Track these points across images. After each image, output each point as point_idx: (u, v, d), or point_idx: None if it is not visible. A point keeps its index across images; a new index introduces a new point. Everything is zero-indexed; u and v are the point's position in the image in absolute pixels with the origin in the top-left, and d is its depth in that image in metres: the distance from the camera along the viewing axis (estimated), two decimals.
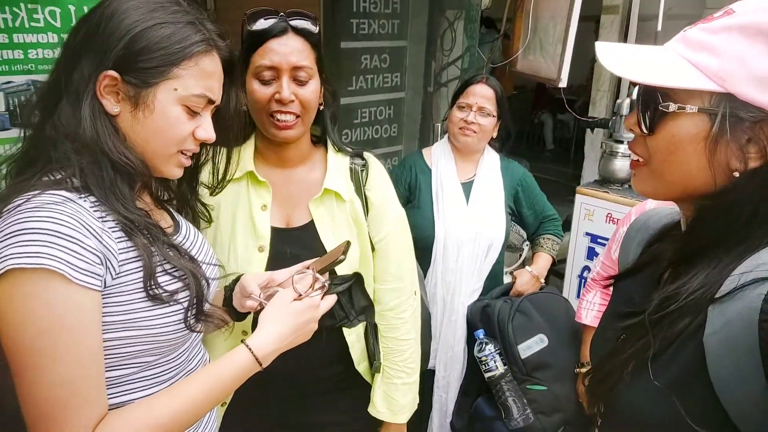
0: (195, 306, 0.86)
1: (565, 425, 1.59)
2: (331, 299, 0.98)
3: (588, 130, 4.78)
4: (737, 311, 0.59)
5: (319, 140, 1.34)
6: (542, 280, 1.89)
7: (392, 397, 1.36)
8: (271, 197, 1.24)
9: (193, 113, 0.85)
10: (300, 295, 0.94)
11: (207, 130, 0.88)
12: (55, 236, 0.71)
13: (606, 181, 2.86)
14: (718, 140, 0.65)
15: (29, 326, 0.71)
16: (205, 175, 1.09)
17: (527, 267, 1.92)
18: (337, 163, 1.30)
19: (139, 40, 0.80)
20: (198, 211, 1.07)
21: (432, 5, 3.04)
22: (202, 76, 0.84)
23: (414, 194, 1.93)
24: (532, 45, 2.85)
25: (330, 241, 1.24)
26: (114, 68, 0.79)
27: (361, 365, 1.34)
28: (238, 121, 1.00)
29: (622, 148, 2.77)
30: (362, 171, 1.31)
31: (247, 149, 1.26)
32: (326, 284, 0.96)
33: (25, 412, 0.73)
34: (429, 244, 1.85)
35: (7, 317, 0.71)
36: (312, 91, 1.18)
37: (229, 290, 1.10)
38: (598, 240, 2.82)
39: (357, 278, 1.03)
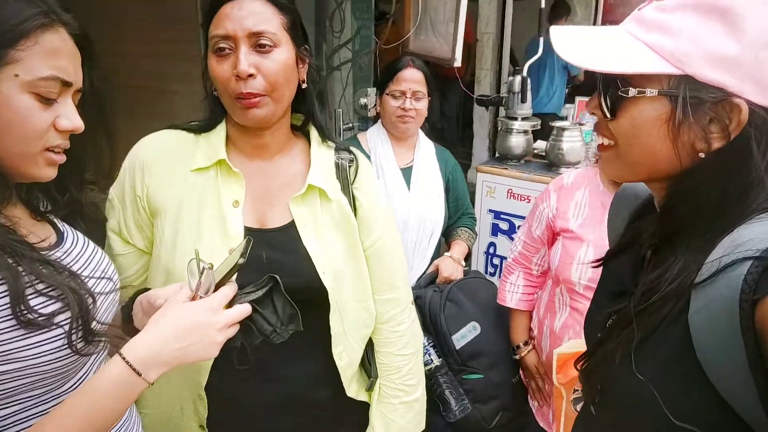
0: (81, 327, 0.77)
1: (502, 410, 1.59)
2: (243, 308, 0.83)
3: (476, 108, 4.91)
4: (719, 291, 0.59)
5: (299, 129, 1.15)
6: (463, 263, 1.88)
7: (391, 419, 1.22)
8: (243, 192, 1.06)
9: (47, 101, 0.75)
10: (194, 294, 0.81)
11: (71, 119, 0.78)
12: None
13: (504, 157, 2.94)
14: (680, 123, 0.65)
15: None
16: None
17: (447, 253, 1.90)
18: (322, 156, 1.12)
19: None
20: (88, 214, 0.95)
21: None
22: (47, 55, 0.74)
23: None
24: (424, 25, 2.81)
25: (314, 245, 1.07)
26: None
27: (351, 388, 1.18)
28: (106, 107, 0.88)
29: (517, 125, 2.85)
30: (350, 167, 1.15)
31: (217, 136, 1.07)
32: (213, 277, 0.82)
33: None
34: None
35: None
36: (276, 61, 0.98)
37: (127, 309, 0.94)
38: (501, 216, 2.89)
39: (274, 283, 0.89)
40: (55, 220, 0.90)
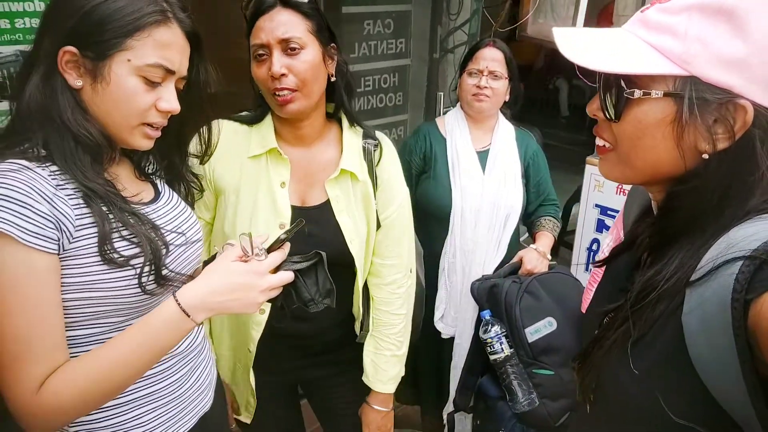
0: (152, 271, 0.88)
1: (570, 411, 1.55)
2: (286, 275, 0.92)
3: None
4: (712, 290, 0.59)
5: (332, 116, 1.33)
6: (549, 257, 1.83)
7: (381, 368, 1.42)
8: (289, 174, 1.25)
9: (152, 83, 0.87)
10: (249, 257, 0.90)
11: (170, 101, 0.90)
12: (6, 201, 0.75)
13: None
14: (685, 123, 0.64)
15: None
16: (193, 146, 1.13)
17: (531, 245, 1.86)
18: (352, 141, 1.31)
19: (93, 14, 0.82)
20: (189, 181, 1.10)
21: None
22: (157, 46, 0.86)
23: (429, 164, 1.92)
24: (543, 8, 2.72)
25: (345, 220, 1.27)
26: (72, 44, 0.83)
27: (356, 329, 1.44)
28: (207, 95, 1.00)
29: None
30: (375, 151, 1.33)
31: (266, 128, 1.27)
32: (262, 252, 0.90)
33: None
34: (446, 214, 1.85)
35: None
36: (304, 60, 1.16)
37: (207, 264, 1.07)
38: (608, 212, 2.75)
39: (320, 258, 0.99)
40: (158, 181, 1.04)
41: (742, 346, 0.55)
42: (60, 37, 0.83)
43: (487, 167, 1.86)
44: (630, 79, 0.66)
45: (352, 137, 1.32)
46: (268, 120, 1.28)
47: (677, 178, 0.68)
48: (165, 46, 0.87)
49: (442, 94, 2.70)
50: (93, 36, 0.82)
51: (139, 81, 0.86)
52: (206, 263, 1.06)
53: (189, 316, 0.84)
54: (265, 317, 1.30)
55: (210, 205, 1.31)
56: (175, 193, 1.06)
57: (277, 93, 1.17)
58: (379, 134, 1.36)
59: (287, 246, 0.94)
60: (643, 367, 0.67)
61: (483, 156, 1.88)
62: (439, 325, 1.97)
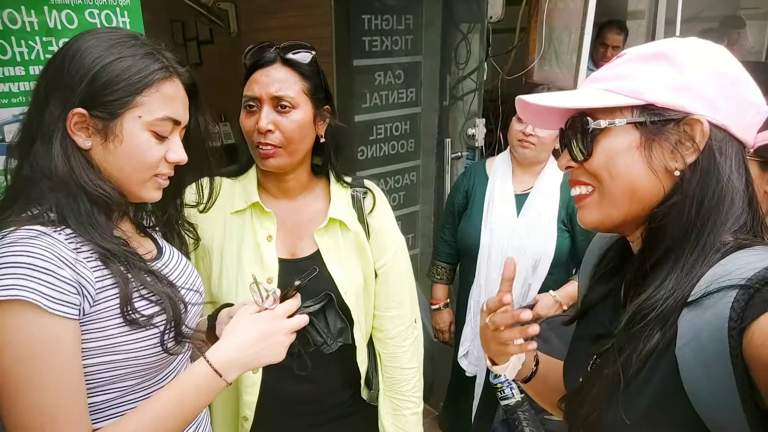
0: (172, 329, 0.89)
1: None
2: (303, 318, 0.95)
3: None
4: (707, 321, 0.60)
5: (321, 170, 1.32)
6: (565, 307, 1.83)
7: (403, 430, 1.35)
8: (275, 228, 1.23)
9: (161, 138, 0.89)
10: (260, 308, 0.93)
11: (177, 152, 0.91)
12: (28, 268, 0.74)
13: None
14: (650, 146, 0.71)
15: (5, 356, 0.74)
16: (190, 196, 1.12)
17: (551, 291, 1.86)
18: (340, 192, 1.29)
19: (101, 75, 0.84)
20: (186, 231, 1.10)
21: (445, 18, 3.01)
22: (164, 100, 0.88)
23: (470, 203, 1.95)
24: (548, 55, 2.80)
25: (337, 270, 1.23)
26: (81, 105, 0.83)
27: (365, 391, 1.36)
28: (208, 144, 1.02)
29: None
30: (364, 198, 1.30)
31: (250, 181, 1.26)
32: (274, 295, 0.94)
33: None
34: (475, 252, 1.88)
35: None
36: (293, 120, 1.16)
37: (212, 319, 1.09)
38: None
39: (329, 299, 1.02)
40: (155, 236, 1.04)
41: (741, 375, 0.56)
42: (68, 100, 0.83)
43: (522, 211, 1.86)
44: (593, 116, 0.73)
45: (340, 188, 1.31)
46: (253, 172, 1.27)
47: (654, 206, 0.72)
48: (171, 99, 0.89)
49: (449, 140, 2.77)
50: (103, 97, 0.84)
51: (150, 135, 0.88)
52: (212, 318, 1.08)
53: (221, 376, 0.86)
54: (258, 377, 1.24)
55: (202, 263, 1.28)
56: (173, 248, 1.06)
57: (260, 146, 1.17)
58: (368, 183, 1.35)
59: (298, 297, 0.97)
60: (635, 410, 0.67)
61: (521, 199, 1.88)
62: (463, 363, 1.97)
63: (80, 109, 0.83)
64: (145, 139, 0.88)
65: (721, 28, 4.30)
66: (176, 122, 0.91)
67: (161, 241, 1.04)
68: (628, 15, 4.37)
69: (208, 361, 0.86)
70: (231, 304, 1.10)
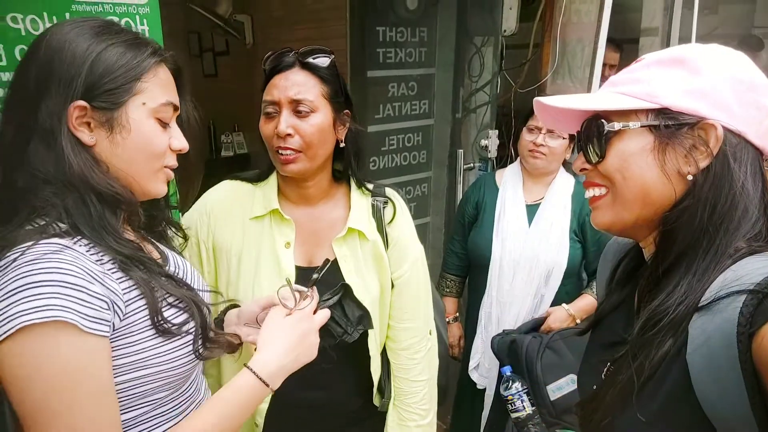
0: (201, 334, 0.86)
1: None
2: (325, 312, 0.97)
3: None
4: (716, 326, 0.61)
5: (342, 176, 1.31)
6: (578, 321, 1.81)
7: None
8: (294, 235, 1.23)
9: (164, 125, 0.85)
10: (291, 310, 0.93)
11: (180, 140, 0.88)
12: (61, 286, 0.68)
13: None
14: (664, 149, 0.71)
15: (41, 380, 0.69)
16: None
17: (564, 305, 1.84)
18: (360, 200, 1.28)
19: (98, 63, 0.78)
20: (175, 230, 1.04)
21: (459, 31, 3.03)
22: (163, 85, 0.85)
23: (480, 214, 1.95)
24: (561, 69, 2.80)
25: (355, 280, 1.22)
26: (82, 97, 0.77)
27: (377, 398, 1.36)
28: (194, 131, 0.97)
29: None
30: (384, 208, 1.29)
31: (270, 188, 1.25)
32: (309, 293, 0.95)
33: None
34: (486, 263, 1.87)
35: (19, 372, 0.69)
36: (312, 124, 1.15)
37: (219, 322, 1.09)
38: None
39: (345, 289, 1.03)
40: (151, 239, 0.97)
41: (750, 379, 0.56)
42: (68, 93, 0.76)
43: (534, 221, 1.85)
44: (608, 118, 0.74)
45: (361, 196, 1.29)
46: (273, 178, 1.26)
47: (667, 209, 0.72)
48: (167, 84, 0.86)
49: (462, 151, 2.77)
50: (104, 84, 0.78)
51: (156, 123, 0.83)
52: (218, 321, 1.07)
53: (268, 385, 0.86)
54: None
55: (203, 269, 1.26)
56: (172, 250, 1.00)
57: (280, 151, 1.15)
58: (390, 191, 1.33)
59: (315, 292, 0.98)
60: (649, 413, 0.67)
61: (532, 209, 1.88)
62: (473, 375, 1.96)
63: (81, 102, 0.77)
64: (153, 126, 0.83)
65: (738, 47, 4.29)
66: (176, 107, 0.87)
67: (160, 245, 0.99)
68: (641, 32, 4.37)
69: (255, 374, 0.85)
70: (237, 306, 1.10)
